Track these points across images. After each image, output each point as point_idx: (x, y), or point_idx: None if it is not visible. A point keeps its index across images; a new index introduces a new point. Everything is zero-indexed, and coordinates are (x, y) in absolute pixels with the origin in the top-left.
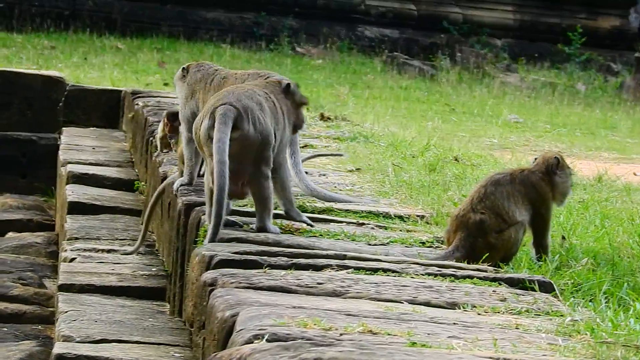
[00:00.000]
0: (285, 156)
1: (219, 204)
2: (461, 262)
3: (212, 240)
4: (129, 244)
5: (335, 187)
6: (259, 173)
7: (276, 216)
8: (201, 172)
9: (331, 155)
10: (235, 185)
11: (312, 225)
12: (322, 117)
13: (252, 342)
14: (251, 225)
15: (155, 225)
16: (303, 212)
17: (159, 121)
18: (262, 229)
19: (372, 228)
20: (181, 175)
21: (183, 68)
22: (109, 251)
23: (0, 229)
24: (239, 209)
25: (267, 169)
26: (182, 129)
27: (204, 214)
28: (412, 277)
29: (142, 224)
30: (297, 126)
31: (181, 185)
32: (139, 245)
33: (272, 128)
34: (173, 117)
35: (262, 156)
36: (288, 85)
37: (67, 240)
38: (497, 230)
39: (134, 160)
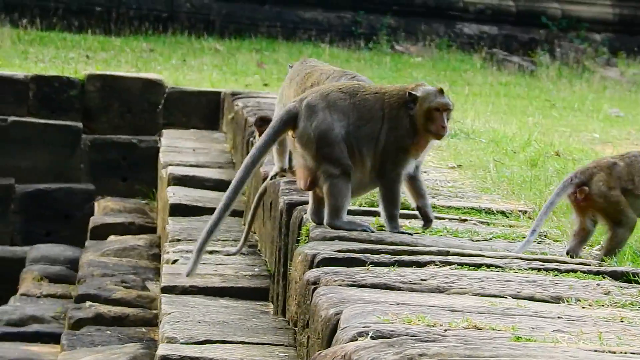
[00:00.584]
0: (388, 166)
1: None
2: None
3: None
4: (231, 245)
5: (437, 184)
6: (322, 170)
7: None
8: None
9: None
10: (303, 180)
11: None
12: None
13: (356, 340)
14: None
15: (257, 225)
16: (404, 209)
17: None
18: (330, 225)
19: (475, 224)
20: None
21: (289, 66)
22: (211, 252)
23: (102, 232)
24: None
25: (331, 166)
26: None
27: (306, 213)
28: (515, 272)
29: (244, 225)
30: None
31: (271, 177)
32: (241, 246)
33: (335, 125)
34: (261, 122)
35: (321, 152)
36: (414, 97)
37: (169, 242)
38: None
39: (234, 161)
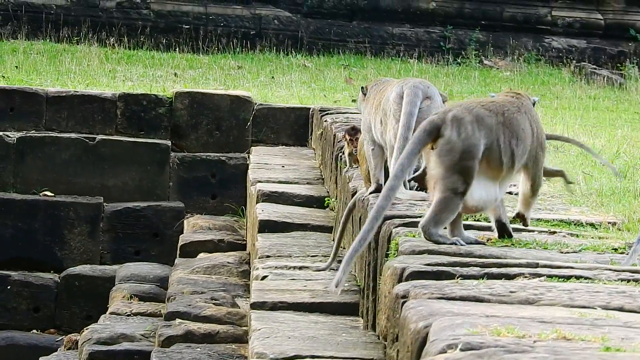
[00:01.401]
0: (541, 177)
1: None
2: None
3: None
4: (320, 261)
5: None
6: (449, 180)
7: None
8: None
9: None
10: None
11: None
12: None
13: (445, 352)
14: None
15: (347, 240)
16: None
17: None
18: (425, 230)
19: (564, 236)
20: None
21: (362, 87)
22: (300, 268)
23: (191, 250)
24: (473, 223)
25: (460, 182)
26: (365, 141)
27: (396, 227)
28: (604, 283)
29: (333, 240)
30: None
31: (370, 193)
32: (331, 261)
33: (481, 141)
34: (353, 131)
35: (459, 164)
36: (534, 102)
37: (259, 258)
38: None
39: (323, 177)
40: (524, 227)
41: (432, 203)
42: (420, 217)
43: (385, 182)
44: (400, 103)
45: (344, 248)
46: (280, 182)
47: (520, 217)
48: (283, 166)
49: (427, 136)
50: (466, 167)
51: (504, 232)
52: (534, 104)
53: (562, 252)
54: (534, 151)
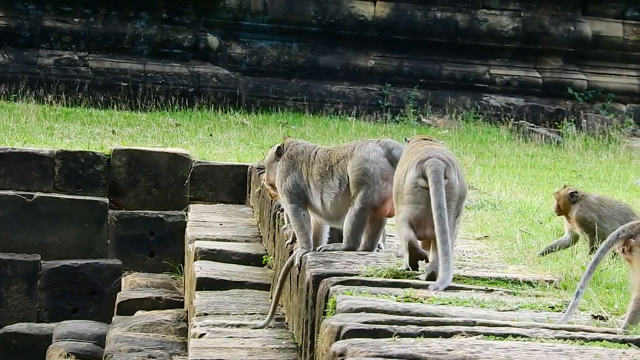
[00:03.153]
0: None
1: (445, 244)
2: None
3: (445, 277)
4: (258, 318)
5: (464, 255)
6: (451, 225)
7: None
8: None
9: None
10: (422, 232)
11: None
12: None
13: None
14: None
15: (285, 298)
16: (430, 279)
17: None
18: (431, 274)
19: (501, 294)
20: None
21: (279, 147)
22: (238, 326)
23: (129, 307)
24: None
25: (457, 223)
26: (284, 201)
27: (333, 285)
28: (541, 342)
29: (271, 298)
30: None
31: (302, 255)
32: (269, 319)
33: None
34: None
35: (457, 208)
36: None
37: (196, 316)
38: None
39: (261, 234)
40: (460, 286)
41: (439, 249)
42: (356, 274)
43: (320, 243)
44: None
45: (282, 306)
46: (218, 239)
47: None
48: (221, 224)
49: (444, 178)
50: (460, 210)
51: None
52: None
53: (499, 311)
54: None
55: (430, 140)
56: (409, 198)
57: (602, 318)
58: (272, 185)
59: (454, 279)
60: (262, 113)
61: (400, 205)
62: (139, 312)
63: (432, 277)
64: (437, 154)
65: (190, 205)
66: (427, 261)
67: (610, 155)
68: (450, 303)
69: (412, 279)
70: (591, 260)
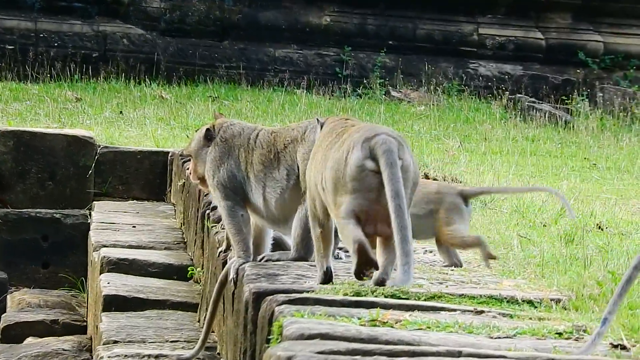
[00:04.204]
0: None
1: (405, 241)
2: None
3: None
4: (183, 347)
5: (445, 266)
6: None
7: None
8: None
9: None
10: (369, 224)
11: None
12: (427, 179)
13: None
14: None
15: (216, 321)
16: (404, 298)
17: None
18: (381, 281)
19: (494, 317)
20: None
21: (208, 129)
22: (157, 357)
23: (17, 333)
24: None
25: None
26: (217, 197)
27: (279, 304)
28: None
29: (199, 322)
30: None
31: (240, 266)
32: (199, 349)
33: None
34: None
35: (410, 198)
36: None
37: (103, 344)
38: None
39: (186, 240)
40: (441, 306)
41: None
42: (309, 291)
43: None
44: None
45: (214, 332)
46: (131, 246)
47: None
48: (134, 226)
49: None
50: (410, 198)
51: None
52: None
53: (491, 338)
54: None
55: (353, 121)
56: (354, 185)
57: (623, 347)
58: (201, 179)
59: (433, 297)
60: (186, 84)
61: (341, 195)
62: (29, 339)
63: (381, 283)
64: (385, 130)
65: (94, 202)
66: (377, 269)
67: (633, 139)
68: (430, 328)
69: (380, 296)
70: (623, 278)
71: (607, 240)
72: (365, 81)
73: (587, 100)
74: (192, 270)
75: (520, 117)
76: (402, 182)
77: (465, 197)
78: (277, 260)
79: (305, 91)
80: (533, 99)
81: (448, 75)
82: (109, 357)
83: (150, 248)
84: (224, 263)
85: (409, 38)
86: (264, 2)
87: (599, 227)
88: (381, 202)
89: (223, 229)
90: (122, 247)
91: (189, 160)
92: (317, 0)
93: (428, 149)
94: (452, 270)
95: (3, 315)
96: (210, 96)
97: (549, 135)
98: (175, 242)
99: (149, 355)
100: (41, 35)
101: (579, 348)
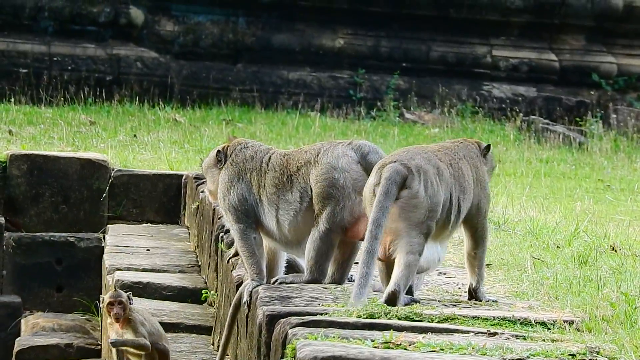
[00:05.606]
0: (486, 226)
1: (366, 264)
2: None
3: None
4: None
5: (459, 288)
6: (416, 240)
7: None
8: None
9: None
10: (382, 248)
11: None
12: None
13: None
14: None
15: (230, 344)
16: (417, 320)
17: None
18: (396, 295)
19: (508, 338)
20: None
21: (218, 151)
22: None
23: (31, 357)
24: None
25: (423, 241)
26: (229, 220)
27: (292, 326)
28: None
29: (212, 344)
30: None
31: (253, 289)
32: None
33: (442, 199)
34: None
35: (425, 224)
36: (488, 147)
37: None
38: None
39: (200, 263)
40: (455, 328)
41: (400, 265)
42: (322, 313)
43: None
44: None
45: (229, 355)
46: (145, 270)
47: (471, 294)
48: (148, 250)
49: (397, 189)
50: (430, 226)
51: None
52: (485, 150)
53: (505, 359)
54: (476, 201)
55: (456, 143)
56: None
57: None
58: (215, 196)
59: (446, 319)
60: (199, 107)
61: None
62: None
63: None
64: (402, 157)
65: (108, 225)
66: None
67: None
68: (443, 350)
69: (394, 319)
70: None
71: (620, 261)
72: (379, 103)
73: (600, 121)
74: (206, 293)
75: (534, 138)
76: (406, 208)
77: None
78: (291, 282)
79: (319, 113)
80: (547, 121)
81: (462, 97)
82: None
83: (164, 271)
84: (238, 286)
85: (422, 60)
86: (277, 25)
87: (613, 249)
88: (389, 227)
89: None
90: (136, 270)
91: (204, 181)
92: (331, 23)
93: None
94: (465, 292)
95: (17, 339)
96: (224, 119)
97: (563, 157)
98: (189, 265)
99: None
100: (55, 58)
101: None
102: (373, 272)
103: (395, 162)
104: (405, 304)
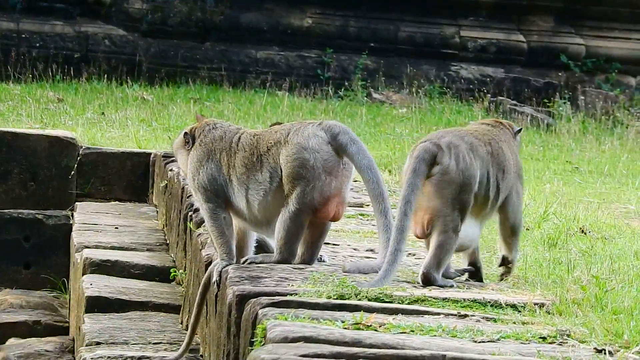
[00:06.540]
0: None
1: (397, 241)
2: None
3: (378, 284)
4: (166, 349)
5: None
6: (450, 218)
7: None
8: None
9: None
10: (418, 225)
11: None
12: None
13: None
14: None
15: (199, 323)
16: (387, 302)
17: None
18: (427, 275)
19: (478, 320)
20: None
21: (185, 133)
22: (140, 359)
23: None
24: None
25: (458, 217)
26: (199, 200)
27: (263, 307)
28: None
29: (181, 323)
30: None
31: (223, 268)
32: (183, 351)
33: (477, 172)
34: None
35: (459, 199)
36: (520, 130)
37: (86, 346)
38: None
39: (168, 242)
40: (425, 310)
41: (432, 246)
42: (292, 294)
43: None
44: None
45: (197, 334)
46: (113, 248)
47: (505, 262)
48: (117, 227)
49: (426, 166)
50: (465, 201)
51: (476, 275)
52: (517, 133)
53: (475, 342)
54: (515, 185)
55: (493, 124)
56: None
57: (608, 352)
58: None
59: (416, 301)
60: (167, 85)
61: None
62: (11, 340)
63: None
64: (432, 137)
65: (77, 203)
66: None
67: (615, 143)
68: (413, 331)
69: (364, 300)
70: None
71: (590, 244)
72: (346, 83)
73: (569, 103)
74: (175, 272)
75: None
76: (438, 184)
77: None
78: (261, 262)
79: (287, 93)
80: (515, 102)
81: (430, 77)
82: (91, 358)
83: (133, 250)
84: (207, 265)
85: (390, 40)
86: (245, 4)
87: (582, 231)
88: (420, 205)
89: (206, 231)
90: (105, 248)
91: (174, 161)
92: (299, 3)
93: (410, 151)
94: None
95: None
96: (192, 98)
97: (531, 139)
98: (158, 244)
99: (132, 357)
100: (23, 35)
101: (562, 353)
102: (403, 250)
103: (425, 141)
104: (440, 286)
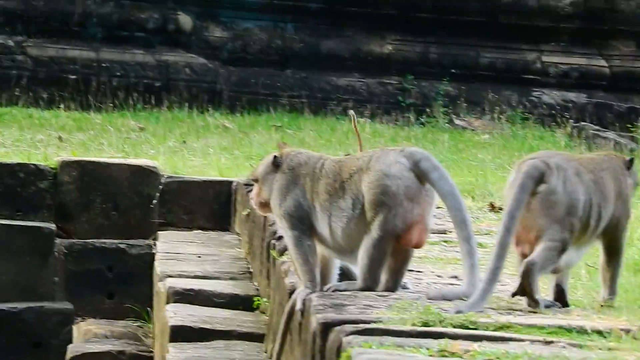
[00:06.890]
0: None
1: (498, 258)
2: None
3: (473, 306)
4: None
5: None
6: (558, 236)
7: None
8: None
9: None
10: (525, 243)
11: None
12: (492, 208)
13: None
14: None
15: (284, 352)
16: (472, 328)
17: None
18: (530, 265)
19: (564, 347)
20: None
21: (275, 155)
22: None
23: None
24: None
25: (566, 237)
26: (284, 227)
27: (347, 335)
28: None
29: (265, 352)
30: None
31: (306, 296)
32: None
33: (582, 198)
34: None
35: (565, 220)
36: (632, 160)
37: None
38: None
39: (251, 270)
40: (510, 336)
41: (540, 246)
42: (376, 321)
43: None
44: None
45: None
46: (196, 276)
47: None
48: (199, 256)
49: (533, 183)
50: (572, 223)
51: (561, 299)
52: (629, 164)
53: None
54: (617, 213)
55: (598, 154)
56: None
57: None
58: (263, 204)
59: (501, 327)
60: (249, 113)
61: None
62: None
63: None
64: (543, 155)
65: (159, 232)
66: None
67: None
68: (499, 358)
69: (449, 327)
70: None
71: None
72: (428, 110)
73: None
74: (258, 300)
75: (584, 145)
76: (544, 204)
77: None
78: (344, 290)
79: (368, 120)
80: (597, 127)
81: (511, 103)
82: None
83: (216, 278)
84: (291, 293)
85: (471, 66)
86: (325, 31)
87: None
88: (526, 224)
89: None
90: (188, 277)
91: (252, 187)
92: (379, 29)
93: (493, 177)
94: (520, 299)
95: (69, 345)
96: (274, 125)
97: None
98: (241, 272)
99: None
100: (103, 64)
101: None
102: (503, 266)
103: (534, 159)
104: (544, 305)
